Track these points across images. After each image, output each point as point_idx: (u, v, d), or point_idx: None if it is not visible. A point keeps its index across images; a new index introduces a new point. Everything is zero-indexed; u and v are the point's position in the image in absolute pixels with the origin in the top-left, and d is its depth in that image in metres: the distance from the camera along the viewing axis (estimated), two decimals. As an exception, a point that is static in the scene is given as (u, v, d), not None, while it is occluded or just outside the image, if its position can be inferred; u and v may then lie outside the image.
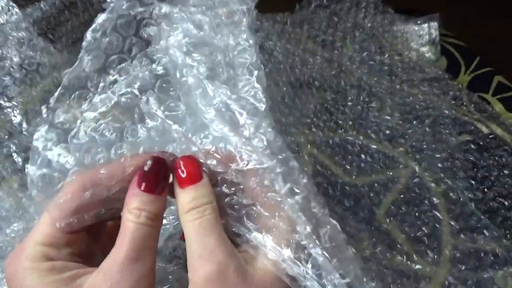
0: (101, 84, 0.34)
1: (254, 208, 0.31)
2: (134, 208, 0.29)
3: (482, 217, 0.52)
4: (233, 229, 0.31)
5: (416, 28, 0.76)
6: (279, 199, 0.30)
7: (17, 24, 0.56)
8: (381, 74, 0.70)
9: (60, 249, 0.30)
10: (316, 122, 0.61)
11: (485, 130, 0.61)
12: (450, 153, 0.58)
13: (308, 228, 0.29)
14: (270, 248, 0.30)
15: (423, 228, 0.50)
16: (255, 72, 0.33)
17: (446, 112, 0.64)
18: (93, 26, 0.35)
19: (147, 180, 0.30)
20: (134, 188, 0.30)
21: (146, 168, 0.30)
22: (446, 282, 0.46)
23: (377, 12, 0.77)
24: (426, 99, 0.66)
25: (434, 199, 0.53)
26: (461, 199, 0.53)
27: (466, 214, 0.52)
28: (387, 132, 0.61)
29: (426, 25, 0.76)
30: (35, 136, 0.34)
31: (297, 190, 0.30)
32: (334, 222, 0.31)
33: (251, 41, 0.34)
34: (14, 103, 0.55)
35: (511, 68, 0.74)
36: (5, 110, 0.54)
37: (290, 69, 0.66)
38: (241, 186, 0.31)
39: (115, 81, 0.34)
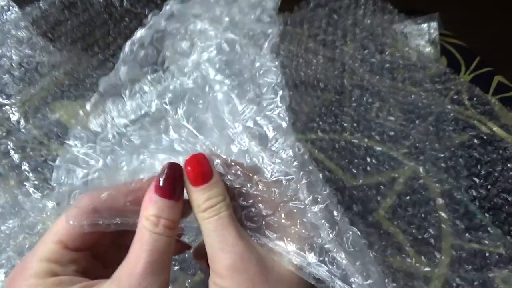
0: (134, 93, 0.35)
1: (274, 217, 0.32)
2: (152, 215, 0.29)
3: (486, 215, 0.52)
4: (252, 239, 0.32)
5: (416, 28, 0.76)
6: (302, 207, 0.31)
7: (16, 23, 0.56)
8: (383, 72, 0.70)
9: (66, 265, 0.30)
10: (322, 126, 0.61)
11: (485, 130, 0.61)
12: (453, 152, 0.58)
13: (332, 234, 0.30)
14: (293, 254, 0.31)
15: (428, 229, 0.50)
16: (280, 92, 0.34)
17: (448, 108, 0.64)
18: (132, 39, 0.37)
19: (164, 185, 0.30)
20: (151, 194, 0.30)
21: (163, 174, 0.30)
22: (454, 283, 0.46)
23: (376, 9, 0.77)
24: (428, 96, 0.66)
25: (438, 199, 0.53)
26: (465, 198, 0.53)
27: (469, 214, 0.51)
28: (391, 133, 0.61)
29: (425, 25, 0.76)
30: (69, 135, 0.35)
31: (319, 200, 0.31)
32: (355, 228, 0.32)
33: (276, 63, 0.36)
34: (13, 101, 0.55)
35: (511, 68, 0.73)
36: (3, 108, 0.55)
37: (295, 72, 0.66)
38: (259, 198, 0.32)
39: (146, 91, 0.36)
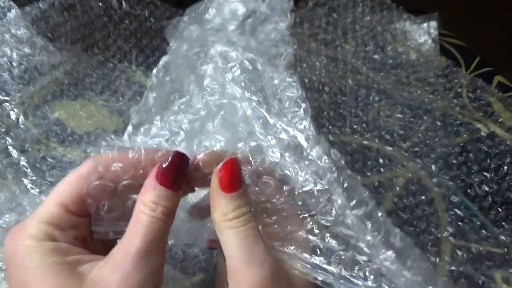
0: (166, 119, 0.36)
1: (299, 233, 0.32)
2: (150, 201, 0.28)
3: (487, 215, 0.51)
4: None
5: (416, 28, 0.76)
6: (331, 218, 0.31)
7: (16, 23, 0.57)
8: (386, 68, 0.70)
9: (65, 230, 0.29)
10: (333, 130, 0.61)
11: (485, 129, 0.61)
12: (453, 151, 0.58)
13: (380, 235, 0.30)
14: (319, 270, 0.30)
15: (428, 230, 0.50)
16: (303, 105, 0.35)
17: (452, 105, 0.64)
18: (157, 66, 0.39)
19: (166, 174, 0.29)
20: (151, 180, 0.29)
21: (166, 162, 0.29)
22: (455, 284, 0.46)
23: (375, 5, 0.77)
24: (433, 90, 0.67)
25: (438, 199, 0.53)
26: (465, 200, 0.52)
27: (469, 214, 0.51)
28: (401, 132, 0.61)
29: (425, 24, 0.76)
30: None
31: (363, 203, 0.31)
32: (398, 229, 0.32)
33: (294, 77, 0.37)
34: (12, 97, 0.55)
35: (511, 68, 0.73)
36: (3, 105, 0.55)
37: (299, 78, 0.66)
38: (284, 214, 0.32)
39: (178, 115, 0.36)
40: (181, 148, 0.34)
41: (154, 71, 0.38)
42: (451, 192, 0.53)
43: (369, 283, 0.30)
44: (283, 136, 0.33)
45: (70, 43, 0.66)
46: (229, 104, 0.36)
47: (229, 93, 0.36)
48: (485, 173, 0.55)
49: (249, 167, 0.32)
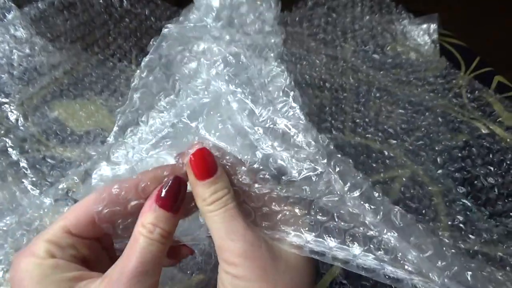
0: (151, 118, 0.36)
1: (309, 216, 0.32)
2: (149, 223, 0.30)
3: (485, 214, 0.51)
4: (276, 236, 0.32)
5: (415, 28, 0.76)
6: (336, 199, 0.32)
7: (15, 23, 0.57)
8: (386, 67, 0.71)
9: (64, 249, 0.30)
10: (335, 125, 0.61)
11: (485, 129, 0.61)
12: (453, 151, 0.58)
13: (380, 215, 0.31)
14: (336, 249, 0.31)
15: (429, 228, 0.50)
16: (291, 93, 0.35)
17: (450, 105, 0.64)
18: (140, 67, 0.39)
19: (166, 197, 0.31)
20: (151, 202, 0.31)
21: (166, 186, 0.31)
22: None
23: (374, 4, 0.77)
24: (433, 89, 0.67)
25: (436, 199, 0.53)
26: (464, 200, 0.52)
27: (468, 214, 0.51)
28: (404, 126, 0.61)
29: (425, 25, 0.76)
30: (94, 174, 0.36)
31: (357, 185, 0.32)
32: (397, 207, 0.32)
33: (282, 67, 0.37)
34: (12, 99, 0.55)
35: (511, 68, 0.73)
36: (2, 107, 0.55)
37: (300, 76, 0.66)
38: (291, 200, 0.33)
39: (163, 115, 0.36)
40: (169, 149, 0.35)
41: (137, 72, 0.39)
42: (450, 191, 0.53)
43: (384, 256, 0.30)
44: (269, 125, 0.34)
45: (70, 42, 0.66)
46: (214, 101, 0.36)
47: (214, 90, 0.36)
48: (489, 167, 0.56)
49: (243, 168, 0.33)
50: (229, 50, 0.38)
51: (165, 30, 0.40)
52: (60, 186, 0.44)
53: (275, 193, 0.33)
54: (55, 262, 0.29)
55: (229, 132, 0.35)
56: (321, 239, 0.31)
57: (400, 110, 0.63)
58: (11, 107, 0.55)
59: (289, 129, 0.33)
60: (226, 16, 0.40)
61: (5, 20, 0.56)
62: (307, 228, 0.32)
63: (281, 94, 0.35)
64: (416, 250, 0.30)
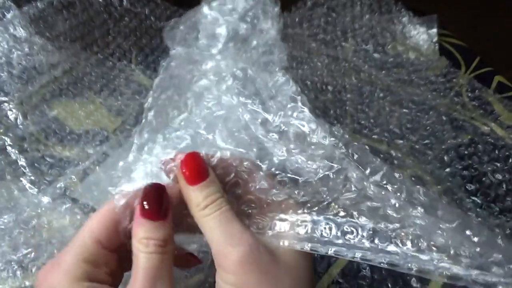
0: (167, 134, 0.36)
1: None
2: (142, 238, 0.29)
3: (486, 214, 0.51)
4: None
5: (415, 28, 0.76)
6: (354, 196, 0.32)
7: (14, 22, 0.57)
8: (388, 66, 0.71)
9: (101, 268, 0.30)
10: (341, 127, 0.61)
11: (485, 129, 0.61)
12: (453, 151, 0.58)
13: (403, 195, 0.31)
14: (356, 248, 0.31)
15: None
16: (299, 98, 0.36)
17: (451, 105, 0.64)
18: (153, 87, 0.40)
19: (148, 207, 0.30)
20: (137, 217, 0.30)
21: (143, 195, 0.30)
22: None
23: (373, 2, 0.77)
24: (435, 88, 0.67)
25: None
26: (466, 199, 0.52)
27: (476, 208, 0.51)
28: (409, 125, 0.61)
29: (425, 25, 0.76)
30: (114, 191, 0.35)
31: (377, 169, 0.32)
32: (417, 186, 0.32)
33: (287, 76, 0.38)
34: (11, 98, 0.55)
35: (511, 68, 0.73)
36: (1, 105, 0.55)
37: (301, 82, 0.66)
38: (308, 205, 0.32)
39: (179, 131, 0.37)
40: None
41: (150, 92, 0.39)
42: (452, 191, 0.53)
43: (408, 248, 0.30)
44: (283, 129, 0.34)
45: (69, 41, 0.66)
46: (227, 113, 0.37)
47: (225, 104, 0.37)
48: (496, 163, 0.56)
49: (261, 173, 0.33)
50: (237, 65, 0.38)
51: (172, 52, 0.41)
52: (58, 185, 0.43)
53: (292, 200, 0.32)
54: (91, 286, 0.29)
55: (244, 141, 0.35)
56: (341, 239, 0.31)
57: (404, 110, 0.63)
58: (10, 106, 0.55)
59: (303, 127, 0.34)
60: (232, 44, 0.41)
61: (4, 19, 0.56)
62: (324, 231, 0.32)
63: (289, 100, 0.36)
64: (444, 223, 0.30)
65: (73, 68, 0.64)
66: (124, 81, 0.65)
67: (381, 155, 0.57)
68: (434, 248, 0.29)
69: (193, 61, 0.40)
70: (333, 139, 0.33)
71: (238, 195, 0.33)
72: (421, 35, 0.75)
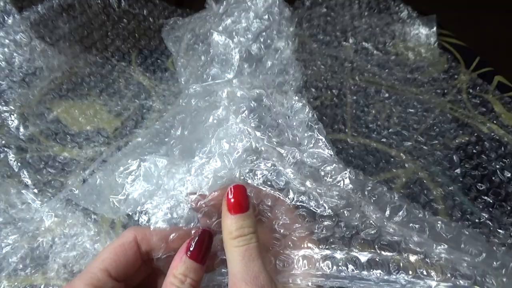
0: (193, 168, 0.37)
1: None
2: (180, 273, 0.32)
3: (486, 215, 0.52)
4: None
5: (415, 28, 0.76)
6: (373, 232, 0.33)
7: (15, 27, 0.56)
8: (390, 65, 0.71)
9: None
10: (349, 133, 0.61)
11: (485, 129, 0.61)
12: (453, 151, 0.58)
13: (425, 233, 0.32)
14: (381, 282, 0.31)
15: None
16: (316, 126, 0.37)
17: (451, 105, 0.65)
18: (174, 125, 0.41)
19: (195, 249, 0.33)
20: (182, 254, 0.32)
21: (196, 237, 0.33)
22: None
23: (371, 0, 0.77)
24: (438, 86, 0.67)
25: (438, 199, 0.53)
26: (467, 198, 0.53)
27: (469, 214, 0.51)
28: (415, 126, 0.61)
29: (424, 25, 0.75)
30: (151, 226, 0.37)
31: (396, 209, 0.33)
32: (439, 217, 0.33)
33: (304, 101, 0.39)
34: (11, 107, 0.55)
35: (511, 68, 0.73)
36: (2, 115, 0.55)
37: (306, 90, 0.66)
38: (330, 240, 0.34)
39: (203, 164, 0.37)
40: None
41: (172, 131, 0.41)
42: (452, 191, 0.53)
43: (434, 278, 0.31)
44: (299, 166, 0.35)
45: (69, 44, 0.66)
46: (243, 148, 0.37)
47: (242, 135, 0.37)
48: (504, 159, 0.57)
49: (283, 207, 0.34)
50: (251, 94, 0.39)
51: (191, 90, 0.42)
52: (61, 197, 0.44)
53: (314, 235, 0.34)
54: None
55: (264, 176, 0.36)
56: (366, 273, 0.32)
57: (410, 110, 0.64)
58: (12, 116, 0.55)
59: (318, 164, 0.35)
60: (247, 65, 0.42)
61: (5, 24, 0.56)
62: (349, 267, 0.33)
63: (305, 128, 0.37)
64: (469, 257, 0.30)
65: (73, 71, 0.64)
66: (124, 83, 0.65)
67: (392, 159, 0.57)
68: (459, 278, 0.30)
69: (210, 92, 0.41)
70: (348, 182, 0.33)
71: (264, 231, 0.35)
72: (421, 35, 0.75)
